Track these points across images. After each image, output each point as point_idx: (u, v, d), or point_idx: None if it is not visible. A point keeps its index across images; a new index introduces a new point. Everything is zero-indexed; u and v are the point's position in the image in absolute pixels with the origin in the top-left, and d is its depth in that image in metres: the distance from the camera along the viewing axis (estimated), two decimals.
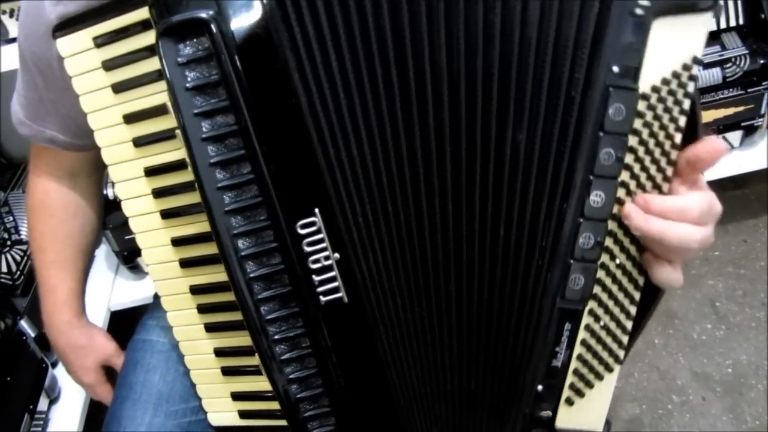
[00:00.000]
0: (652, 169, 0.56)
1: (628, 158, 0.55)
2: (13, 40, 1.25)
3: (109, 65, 0.58)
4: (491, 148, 0.55)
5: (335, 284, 0.57)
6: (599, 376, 0.62)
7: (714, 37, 1.49)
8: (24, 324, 1.30)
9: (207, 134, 0.54)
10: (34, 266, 0.88)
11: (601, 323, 0.60)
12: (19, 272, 1.33)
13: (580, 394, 0.62)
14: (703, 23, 0.53)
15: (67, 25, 0.58)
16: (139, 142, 0.60)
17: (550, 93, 0.54)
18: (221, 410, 0.68)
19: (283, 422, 0.62)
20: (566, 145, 0.55)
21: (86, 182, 0.85)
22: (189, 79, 0.53)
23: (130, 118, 0.59)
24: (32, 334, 1.32)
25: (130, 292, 1.51)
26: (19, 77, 0.77)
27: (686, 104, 0.54)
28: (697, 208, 0.55)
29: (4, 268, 1.32)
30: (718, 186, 1.83)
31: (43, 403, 1.29)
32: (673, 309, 1.56)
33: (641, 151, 0.55)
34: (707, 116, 1.46)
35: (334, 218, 0.55)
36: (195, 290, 0.64)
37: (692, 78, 0.54)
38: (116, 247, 1.44)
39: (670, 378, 1.44)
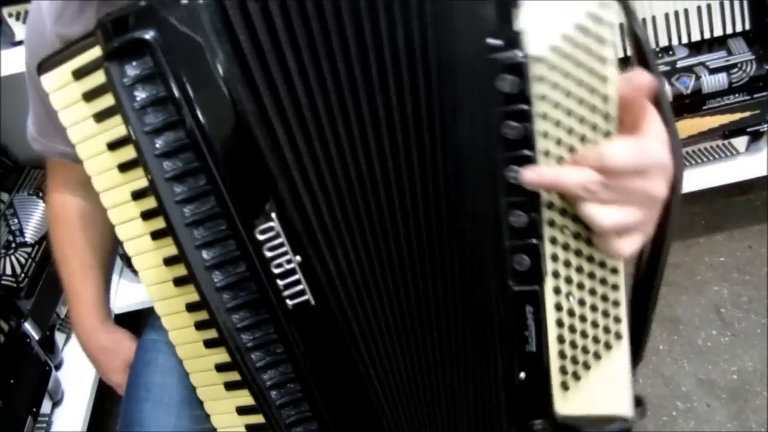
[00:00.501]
0: (583, 129, 0.53)
1: (545, 125, 0.53)
2: (19, 43, 1.26)
3: (88, 96, 0.59)
4: (437, 140, 0.55)
5: (300, 287, 0.57)
6: (596, 356, 0.59)
7: (720, 43, 1.48)
8: (28, 326, 1.30)
9: (160, 150, 0.55)
10: (60, 275, 0.92)
11: (576, 300, 0.58)
12: (23, 274, 1.34)
13: (576, 377, 0.60)
14: None
15: (48, 61, 0.60)
16: (123, 167, 0.60)
17: (456, 79, 0.53)
18: (229, 426, 0.68)
19: None
20: (478, 128, 0.54)
21: None
22: (137, 99, 0.54)
23: (113, 145, 0.60)
24: (36, 337, 1.32)
25: (134, 295, 1.51)
26: (30, 93, 0.79)
27: (607, 52, 0.51)
28: (619, 157, 0.50)
29: (9, 271, 1.33)
30: (723, 192, 1.81)
31: (46, 406, 1.30)
32: (677, 315, 1.56)
33: (559, 114, 0.53)
34: (713, 122, 1.46)
35: (292, 221, 0.55)
36: (190, 307, 0.64)
37: (601, 22, 0.51)
38: (120, 250, 1.45)
39: (675, 384, 1.43)
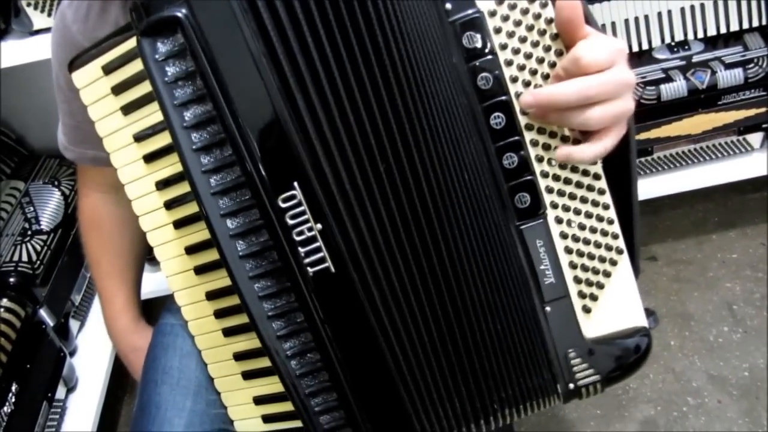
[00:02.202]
0: (544, 68, 0.58)
1: (511, 71, 0.58)
2: (36, 32, 1.27)
3: (117, 90, 0.62)
4: (427, 101, 0.58)
5: (321, 254, 0.58)
6: (606, 274, 0.63)
7: (736, 38, 1.47)
8: (43, 313, 1.32)
9: (189, 123, 0.57)
10: (92, 278, 0.96)
11: (576, 224, 0.62)
12: (39, 262, 1.35)
13: (593, 298, 0.63)
14: None
15: (79, 58, 0.63)
16: (148, 158, 0.63)
17: (429, 47, 0.57)
18: (246, 417, 0.69)
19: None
20: (455, 86, 0.58)
21: None
22: (168, 74, 0.56)
23: (139, 137, 0.62)
24: (51, 323, 1.34)
25: (149, 284, 1.52)
26: (58, 108, 0.82)
27: None
28: (588, 55, 0.54)
29: (25, 258, 1.34)
30: (736, 189, 1.79)
31: (60, 392, 1.31)
32: (689, 311, 1.55)
33: (521, 58, 0.58)
34: (728, 117, 1.45)
35: (313, 190, 0.57)
36: (210, 295, 0.65)
37: None
38: None
39: (686, 380, 1.43)
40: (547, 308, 0.63)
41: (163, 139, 0.61)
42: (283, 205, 0.57)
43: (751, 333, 1.48)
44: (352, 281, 0.59)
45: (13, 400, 1.14)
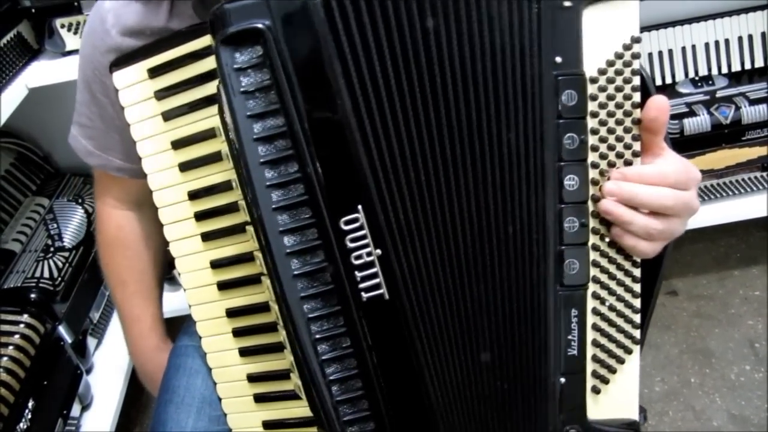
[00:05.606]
0: (620, 147, 0.59)
1: (593, 139, 0.58)
2: (68, 53, 1.30)
3: (160, 95, 0.62)
4: (488, 147, 0.58)
5: (377, 280, 0.57)
6: (620, 360, 0.62)
7: (761, 74, 1.47)
8: (62, 329, 1.33)
9: (258, 135, 0.56)
10: (113, 299, 0.92)
11: (608, 304, 0.61)
12: (60, 278, 1.36)
13: (604, 380, 0.62)
14: (633, 4, 0.57)
15: (123, 59, 0.63)
16: (184, 166, 0.62)
17: (515, 91, 0.57)
18: None
19: None
20: (534, 138, 0.58)
21: (153, 211, 0.87)
22: (243, 84, 0.55)
23: (178, 144, 0.62)
24: (69, 340, 1.34)
25: (167, 303, 1.52)
26: (81, 112, 0.81)
27: (636, 81, 0.58)
28: (672, 172, 0.58)
29: (47, 274, 1.35)
30: (759, 225, 1.76)
31: (75, 409, 1.31)
32: (710, 348, 1.53)
33: (604, 131, 0.58)
34: (751, 153, 1.44)
35: (376, 215, 0.56)
36: (231, 313, 0.65)
37: (635, 56, 0.57)
38: None
39: (706, 418, 1.40)
40: (562, 379, 0.61)
41: (203, 149, 0.61)
42: (345, 228, 0.56)
43: None
44: (404, 310, 0.58)
45: (29, 416, 1.14)
